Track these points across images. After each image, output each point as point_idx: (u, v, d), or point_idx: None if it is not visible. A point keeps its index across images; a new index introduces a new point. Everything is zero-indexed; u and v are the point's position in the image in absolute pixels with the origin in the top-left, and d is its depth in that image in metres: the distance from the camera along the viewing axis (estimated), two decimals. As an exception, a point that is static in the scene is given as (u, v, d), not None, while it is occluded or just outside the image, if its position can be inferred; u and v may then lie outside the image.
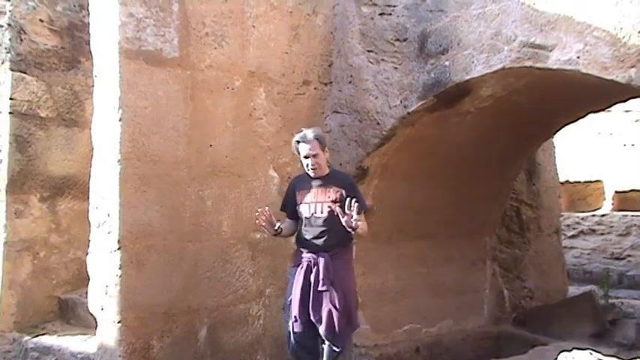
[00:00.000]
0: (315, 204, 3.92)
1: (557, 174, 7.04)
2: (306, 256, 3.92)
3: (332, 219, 3.81)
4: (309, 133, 3.96)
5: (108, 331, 3.86)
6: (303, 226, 3.98)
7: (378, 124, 4.68)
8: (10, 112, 5.03)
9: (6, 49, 5.05)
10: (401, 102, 4.54)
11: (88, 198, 4.15)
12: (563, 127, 5.71)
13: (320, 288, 3.82)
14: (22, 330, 4.95)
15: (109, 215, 3.86)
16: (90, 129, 4.24)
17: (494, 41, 4.02)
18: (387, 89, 4.63)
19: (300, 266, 3.92)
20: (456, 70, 4.24)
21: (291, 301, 3.92)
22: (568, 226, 9.72)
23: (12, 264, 5.01)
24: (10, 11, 5.03)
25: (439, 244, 5.65)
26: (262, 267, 4.57)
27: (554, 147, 6.96)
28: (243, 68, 4.48)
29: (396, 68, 4.59)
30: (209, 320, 4.23)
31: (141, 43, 3.93)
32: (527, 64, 3.89)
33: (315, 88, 4.92)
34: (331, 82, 4.98)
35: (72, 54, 5.44)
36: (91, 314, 4.07)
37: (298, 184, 4.05)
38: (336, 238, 3.88)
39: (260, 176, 4.59)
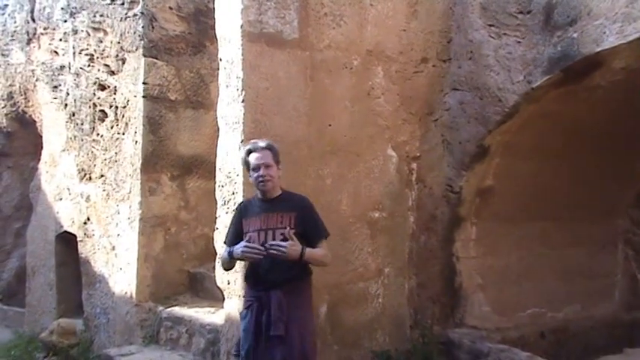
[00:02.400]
0: (266, 231, 3.29)
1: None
2: (256, 295, 3.31)
3: None
4: (261, 141, 3.43)
5: (234, 305, 4.04)
6: None
7: (500, 100, 4.52)
8: (143, 96, 5.35)
9: (139, 36, 5.36)
10: (524, 77, 4.36)
11: (214, 177, 4.35)
12: None
13: (272, 332, 3.22)
14: (156, 301, 5.29)
15: (234, 194, 4.02)
16: (215, 110, 4.42)
17: (630, 9, 3.75)
18: (509, 64, 4.46)
19: (250, 308, 3.32)
20: (585, 42, 4.00)
21: (247, 351, 3.30)
22: None
23: (147, 239, 5.36)
24: (142, 0, 5.33)
25: (565, 226, 5.40)
26: (381, 246, 4.58)
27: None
28: (361, 47, 4.48)
29: (519, 42, 4.40)
30: (329, 297, 4.31)
31: (262, 25, 4.03)
32: (667, 32, 3.60)
33: (433, 66, 4.83)
34: (450, 59, 4.86)
35: (198, 39, 5.68)
36: (218, 288, 4.27)
37: (245, 210, 3.44)
38: (290, 272, 3.27)
39: (378, 155, 4.59)
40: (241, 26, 3.96)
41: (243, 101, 3.97)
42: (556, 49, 4.17)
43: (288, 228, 3.23)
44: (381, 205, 4.59)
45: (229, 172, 4.07)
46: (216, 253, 4.26)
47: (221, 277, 4.15)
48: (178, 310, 5.06)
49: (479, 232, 4.96)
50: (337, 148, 4.38)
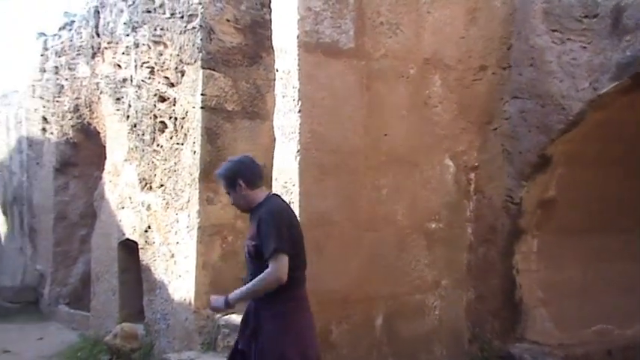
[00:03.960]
0: (245, 242, 3.36)
1: None
2: (247, 305, 3.36)
3: (251, 260, 3.26)
4: (219, 170, 3.45)
5: (289, 314, 4.03)
6: None
7: (564, 108, 4.38)
8: (201, 107, 5.44)
9: (198, 49, 5.45)
10: (590, 84, 4.21)
11: (270, 186, 4.36)
12: None
13: (239, 346, 3.27)
14: (216, 308, 5.34)
15: (290, 203, 4.02)
16: (270, 121, 4.44)
17: (702, 12, 3.58)
18: (573, 71, 4.32)
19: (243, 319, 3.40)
20: (656, 47, 3.83)
21: None
22: None
23: (205, 247, 5.43)
24: (201, 13, 5.43)
25: (634, 239, 5.17)
26: (438, 257, 4.50)
27: None
28: (418, 55, 4.43)
29: (584, 47, 4.26)
30: (385, 309, 4.26)
31: (319, 35, 4.03)
32: None
33: (493, 73, 4.73)
34: (510, 66, 4.75)
35: (254, 50, 5.73)
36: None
37: None
38: None
39: (435, 165, 4.52)
40: (297, 37, 3.97)
41: (299, 111, 3.97)
42: (625, 54, 4.02)
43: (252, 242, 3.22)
44: (438, 215, 4.51)
45: (285, 182, 4.08)
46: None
47: (276, 287, 4.15)
48: (235, 318, 5.09)
49: (540, 245, 4.80)
50: (394, 158, 4.34)
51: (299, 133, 3.98)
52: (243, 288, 3.25)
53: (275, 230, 3.20)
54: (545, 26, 4.50)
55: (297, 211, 3.94)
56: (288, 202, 3.71)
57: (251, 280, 3.22)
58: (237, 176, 3.36)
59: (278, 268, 3.15)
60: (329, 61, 4.07)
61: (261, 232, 3.19)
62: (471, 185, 4.70)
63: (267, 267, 3.14)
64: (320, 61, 4.04)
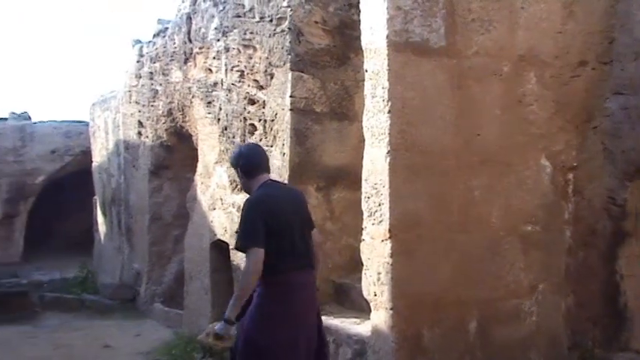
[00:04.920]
0: None
1: None
2: None
3: None
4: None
5: (381, 317, 4.00)
6: None
7: (671, 104, 4.12)
8: (290, 109, 5.50)
9: (287, 51, 5.52)
10: (701, 77, 3.94)
11: (358, 188, 4.35)
12: None
13: None
14: (303, 309, 5.37)
15: (380, 205, 3.99)
16: (359, 122, 4.42)
17: None
18: (682, 64, 4.05)
19: None
20: None
21: None
22: None
23: (295, 248, 5.46)
24: (290, 16, 5.48)
25: None
26: (534, 261, 4.33)
27: None
28: (511, 52, 4.28)
29: (694, 39, 3.99)
30: (479, 313, 4.14)
31: (408, 34, 3.97)
32: None
33: (592, 69, 4.50)
34: (612, 61, 4.50)
35: (342, 51, 5.74)
36: (364, 299, 4.25)
37: None
38: None
39: (531, 165, 4.35)
40: (387, 36, 3.93)
41: (389, 112, 3.93)
42: None
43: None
44: (534, 218, 4.34)
45: (375, 184, 4.05)
46: (362, 264, 4.25)
47: (368, 288, 4.13)
48: (325, 320, 5.09)
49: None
50: (486, 158, 4.21)
51: (389, 133, 3.93)
52: (231, 300, 3.58)
53: (247, 225, 3.58)
54: (651, 17, 4.25)
55: (386, 213, 3.91)
56: (281, 188, 4.04)
57: None
58: (236, 165, 3.86)
59: (251, 263, 3.49)
60: (419, 60, 4.00)
61: (239, 226, 3.61)
62: (569, 186, 4.49)
63: None
64: (410, 61, 3.98)
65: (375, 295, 4.06)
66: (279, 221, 3.62)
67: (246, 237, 3.57)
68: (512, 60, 4.27)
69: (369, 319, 4.28)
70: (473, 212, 4.15)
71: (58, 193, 15.26)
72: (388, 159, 3.93)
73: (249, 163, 3.81)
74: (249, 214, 3.61)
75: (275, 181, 4.01)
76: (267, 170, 3.91)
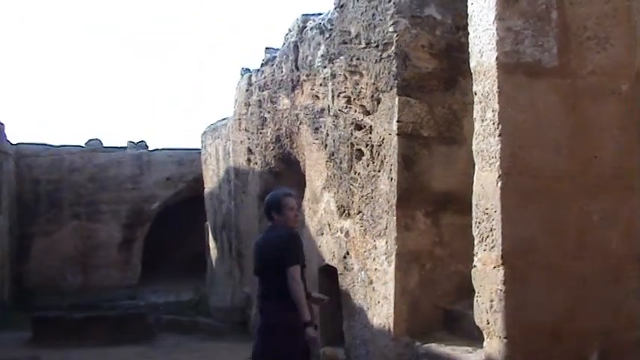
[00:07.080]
0: None
1: None
2: None
3: None
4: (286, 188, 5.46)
5: (494, 346, 3.88)
6: None
7: None
8: (397, 134, 5.50)
9: (393, 76, 5.54)
10: None
11: (468, 213, 4.27)
12: None
13: None
14: (412, 336, 5.31)
15: (491, 230, 3.90)
16: (467, 146, 4.36)
17: None
18: None
19: None
20: None
21: None
22: None
23: (402, 274, 5.44)
24: (396, 41, 5.52)
25: None
26: (661, 290, 4.06)
27: None
28: (629, 70, 4.07)
29: None
30: (600, 345, 3.92)
31: (519, 55, 3.89)
32: None
33: None
34: None
35: (450, 74, 5.68)
36: (476, 327, 4.15)
37: None
38: None
39: (654, 189, 4.10)
40: (497, 58, 3.87)
41: (499, 135, 3.85)
42: None
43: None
44: (658, 243, 4.08)
45: (486, 209, 3.97)
46: (471, 291, 4.16)
47: (480, 316, 4.03)
48: (436, 347, 5.02)
49: None
50: (604, 181, 4.01)
51: (500, 157, 3.84)
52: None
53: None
54: None
55: (498, 239, 3.82)
56: (269, 233, 5.39)
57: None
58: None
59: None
60: (530, 81, 3.91)
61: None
62: (700, 211, 4.19)
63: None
64: (521, 82, 3.89)
65: (488, 324, 3.95)
66: (256, 259, 5.54)
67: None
68: (630, 78, 4.07)
69: (481, 347, 4.16)
70: (590, 238, 3.96)
71: (172, 219, 15.99)
72: (499, 183, 3.85)
73: (265, 210, 5.43)
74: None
75: (270, 226, 5.37)
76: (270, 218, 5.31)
